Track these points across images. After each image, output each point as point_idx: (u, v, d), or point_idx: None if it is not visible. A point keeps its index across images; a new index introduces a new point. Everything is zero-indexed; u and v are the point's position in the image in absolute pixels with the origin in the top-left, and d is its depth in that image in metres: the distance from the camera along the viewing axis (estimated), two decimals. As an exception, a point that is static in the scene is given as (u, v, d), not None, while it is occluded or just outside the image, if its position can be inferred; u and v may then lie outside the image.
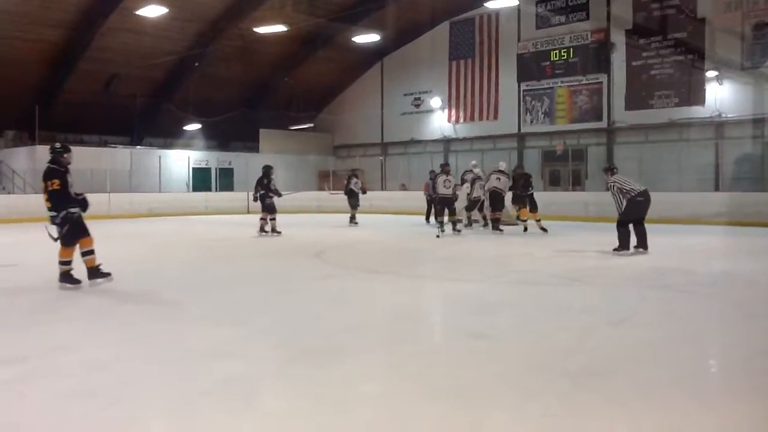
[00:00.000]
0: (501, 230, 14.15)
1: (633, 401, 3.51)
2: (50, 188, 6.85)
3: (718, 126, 19.68)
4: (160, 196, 22.79)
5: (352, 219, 17.03)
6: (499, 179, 14.46)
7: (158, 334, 5.08)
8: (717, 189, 18.91)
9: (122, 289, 6.98)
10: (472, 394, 3.65)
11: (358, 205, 17.30)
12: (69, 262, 6.95)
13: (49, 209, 6.92)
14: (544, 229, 13.77)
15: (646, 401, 3.51)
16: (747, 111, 19.02)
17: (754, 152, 19.07)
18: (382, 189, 26.11)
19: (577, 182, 22.82)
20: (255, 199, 13.99)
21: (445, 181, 13.65)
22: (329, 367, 4.15)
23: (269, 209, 13.73)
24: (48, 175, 6.90)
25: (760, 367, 4.18)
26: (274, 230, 13.72)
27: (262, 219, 13.82)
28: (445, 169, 14.01)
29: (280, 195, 13.96)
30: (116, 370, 4.10)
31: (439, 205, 13.99)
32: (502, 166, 15.08)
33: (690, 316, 5.86)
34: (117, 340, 4.86)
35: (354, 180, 17.47)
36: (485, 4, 22.33)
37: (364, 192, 17.69)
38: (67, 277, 6.96)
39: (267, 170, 13.97)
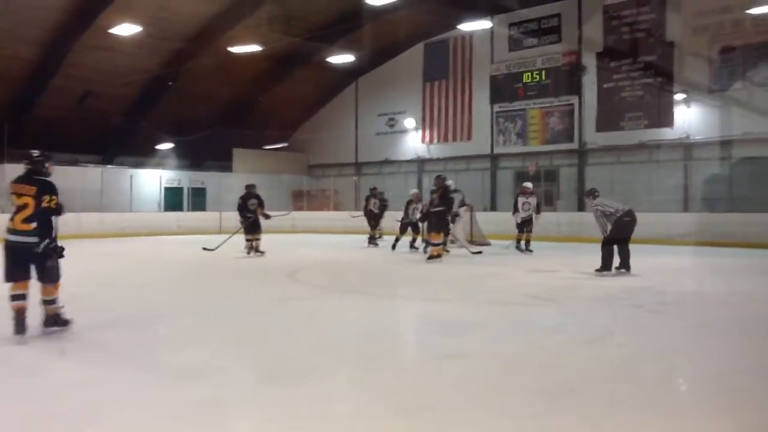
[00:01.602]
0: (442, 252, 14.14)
1: (606, 420, 3.52)
2: (45, 205, 5.32)
3: (687, 147, 20.03)
4: (131, 216, 22.53)
5: (372, 239, 16.67)
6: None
7: (126, 357, 4.98)
8: (686, 209, 19.21)
9: (91, 310, 6.85)
10: (445, 413, 3.64)
11: (377, 225, 16.97)
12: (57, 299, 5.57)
13: (30, 233, 5.29)
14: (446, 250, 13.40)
15: (620, 420, 3.53)
16: (714, 133, 19.40)
17: (722, 173, 19.42)
18: (355, 209, 26.07)
19: (549, 203, 23.00)
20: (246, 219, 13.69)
21: (414, 209, 14.35)
22: (301, 388, 4.10)
23: (253, 229, 13.61)
24: (44, 188, 5.38)
25: (730, 385, 4.22)
26: (256, 250, 13.53)
27: (248, 240, 13.61)
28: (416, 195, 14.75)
29: (268, 217, 13.87)
30: (83, 394, 4.01)
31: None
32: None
33: (661, 334, 5.91)
34: (84, 364, 4.76)
35: (373, 201, 17.15)
36: (459, 27, 22.64)
37: (383, 210, 17.06)
38: (55, 319, 5.57)
39: (249, 190, 13.93)
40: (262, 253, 13.54)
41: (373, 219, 16.92)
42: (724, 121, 19.24)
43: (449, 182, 15.48)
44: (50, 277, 5.39)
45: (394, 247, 14.92)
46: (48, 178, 5.54)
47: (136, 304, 7.54)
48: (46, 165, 5.58)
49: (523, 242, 14.14)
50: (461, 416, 3.60)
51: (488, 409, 3.71)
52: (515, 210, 14.09)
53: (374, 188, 18.02)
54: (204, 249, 14.20)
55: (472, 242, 15.56)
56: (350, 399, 3.98)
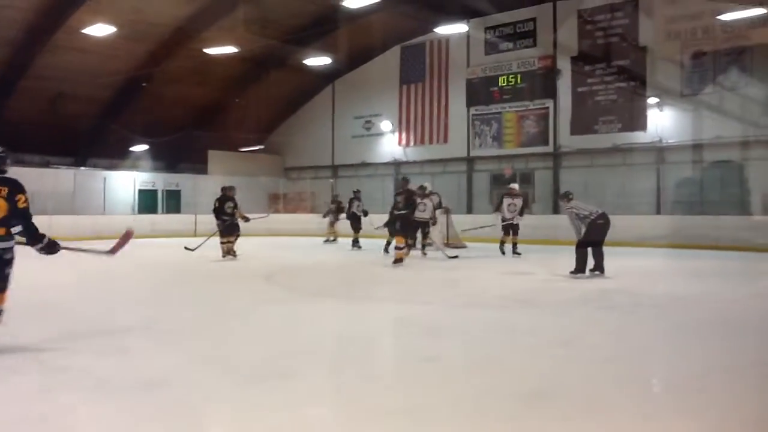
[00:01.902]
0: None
1: (583, 422, 3.53)
2: (21, 205, 4.96)
3: (660, 151, 20.29)
4: (104, 219, 22.24)
5: (355, 243, 16.62)
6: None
7: (98, 361, 4.89)
8: (659, 212, 19.46)
9: (63, 314, 6.74)
10: (421, 416, 3.63)
11: (360, 228, 16.95)
12: None
13: (3, 238, 4.86)
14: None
15: (597, 421, 3.54)
16: (686, 137, 19.68)
17: (694, 176, 19.70)
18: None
19: (525, 205, 23.14)
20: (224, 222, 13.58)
21: (420, 203, 13.94)
22: (276, 392, 4.07)
23: (230, 231, 13.50)
24: (16, 187, 5.00)
25: (705, 384, 4.27)
26: (230, 252, 13.41)
27: (224, 242, 13.44)
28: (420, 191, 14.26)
29: (247, 219, 13.74)
30: (55, 399, 3.94)
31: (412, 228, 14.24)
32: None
33: (636, 336, 5.97)
34: (55, 368, 4.68)
35: (356, 203, 17.24)
36: (436, 30, 22.72)
37: (365, 214, 17.14)
38: None
39: (224, 192, 13.80)
40: (235, 255, 13.40)
41: (357, 222, 16.91)
42: (696, 125, 19.53)
43: (425, 184, 15.41)
44: (3, 285, 4.96)
45: (386, 249, 14.39)
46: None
47: (107, 308, 7.43)
48: (8, 162, 5.10)
49: (509, 245, 13.94)
50: (437, 419, 3.59)
51: (464, 413, 3.70)
52: (497, 209, 13.98)
53: (357, 191, 17.99)
54: (186, 248, 14.17)
55: (448, 245, 15.60)
56: (326, 402, 3.95)
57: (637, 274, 10.88)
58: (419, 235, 13.70)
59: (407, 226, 12.61)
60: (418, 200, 13.50)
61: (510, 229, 13.90)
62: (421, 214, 13.46)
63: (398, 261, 11.89)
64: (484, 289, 9.11)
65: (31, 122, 23.29)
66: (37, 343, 5.38)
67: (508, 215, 13.82)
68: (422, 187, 13.40)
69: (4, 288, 4.95)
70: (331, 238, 18.85)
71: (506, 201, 13.92)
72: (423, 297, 8.53)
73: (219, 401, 3.92)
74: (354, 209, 17.08)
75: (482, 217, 15.64)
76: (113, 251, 5.88)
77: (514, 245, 13.91)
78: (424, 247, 14.02)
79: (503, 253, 13.89)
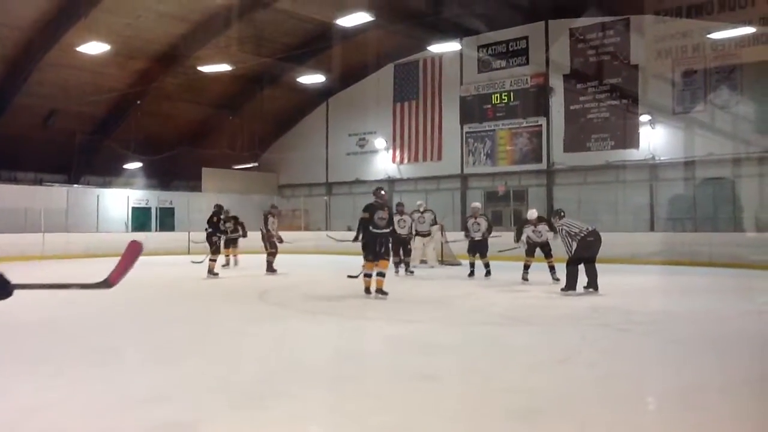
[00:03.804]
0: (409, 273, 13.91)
1: (576, 440, 3.52)
2: None
3: (652, 168, 20.41)
4: (97, 236, 22.14)
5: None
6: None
7: (91, 379, 4.86)
8: (652, 229, 19.52)
9: (54, 331, 6.70)
10: (416, 436, 3.61)
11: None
12: None
13: None
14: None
15: (589, 440, 3.53)
16: (678, 154, 19.81)
17: (686, 193, 19.80)
18: (327, 229, 26.01)
19: (519, 222, 23.19)
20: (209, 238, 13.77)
21: (399, 221, 13.78)
22: (271, 410, 4.04)
23: (218, 249, 13.61)
24: None
25: (698, 403, 4.26)
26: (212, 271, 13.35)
27: (211, 260, 13.43)
28: (399, 209, 14.10)
29: (225, 234, 13.90)
30: (47, 416, 3.90)
31: (394, 246, 13.96)
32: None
33: (630, 353, 5.96)
34: (48, 386, 4.63)
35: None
36: (429, 48, 22.88)
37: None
38: None
39: (218, 210, 13.97)
40: (216, 275, 13.23)
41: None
42: (688, 142, 19.68)
43: (419, 202, 15.42)
44: None
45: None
46: None
47: (99, 327, 7.38)
48: None
49: (546, 266, 12.06)
50: (433, 438, 3.57)
51: (460, 430, 3.68)
52: (518, 238, 12.17)
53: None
54: (192, 262, 14.33)
55: (442, 262, 15.59)
56: (321, 421, 3.93)
57: (631, 291, 10.88)
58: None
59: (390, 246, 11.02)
60: (398, 217, 13.15)
61: (535, 250, 12.12)
62: (399, 231, 13.17)
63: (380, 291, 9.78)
64: (479, 307, 9.10)
65: (25, 139, 23.26)
66: (29, 361, 5.33)
67: (536, 237, 11.95)
68: (378, 192, 11.15)
69: None
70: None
71: (527, 230, 12.06)
72: (418, 315, 8.50)
73: (214, 420, 3.89)
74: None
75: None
76: (112, 280, 3.08)
77: (552, 268, 11.92)
78: (408, 265, 13.98)
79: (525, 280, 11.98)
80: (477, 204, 13.71)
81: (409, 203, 16.40)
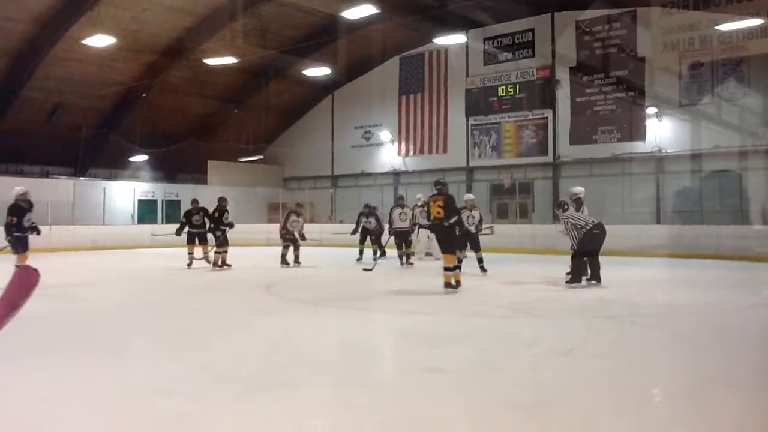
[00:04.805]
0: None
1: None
2: None
3: (659, 161, 20.34)
4: (103, 229, 22.24)
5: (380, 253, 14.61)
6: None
7: (97, 371, 4.88)
8: (658, 222, 19.49)
9: (61, 324, 6.74)
10: (423, 427, 3.62)
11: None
12: None
13: None
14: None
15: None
16: (685, 146, 19.74)
17: (692, 186, 19.75)
18: (332, 222, 26.05)
19: (524, 215, 23.19)
20: (212, 233, 13.78)
21: (400, 214, 13.84)
22: (277, 403, 4.06)
23: (222, 242, 13.63)
24: None
25: (704, 396, 4.26)
26: (224, 263, 13.60)
27: (216, 253, 13.62)
28: (399, 202, 14.15)
29: (232, 227, 13.84)
30: (54, 408, 3.92)
31: (397, 240, 14.01)
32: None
33: (635, 346, 5.96)
34: (55, 378, 4.67)
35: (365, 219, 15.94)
36: (434, 41, 22.83)
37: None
38: None
39: (221, 203, 13.97)
40: (229, 266, 13.60)
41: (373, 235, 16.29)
42: (695, 134, 19.61)
43: (418, 196, 15.37)
44: None
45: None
46: None
47: (107, 319, 7.42)
48: None
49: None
50: (439, 430, 3.58)
51: (466, 423, 3.70)
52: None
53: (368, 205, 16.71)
54: (205, 254, 14.20)
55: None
56: (327, 413, 3.95)
57: (637, 284, 10.87)
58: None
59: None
60: (398, 210, 13.84)
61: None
62: (400, 224, 13.75)
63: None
64: (485, 299, 9.10)
65: (31, 132, 23.34)
66: (35, 354, 5.37)
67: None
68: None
69: None
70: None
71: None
72: (424, 307, 8.50)
73: (221, 412, 3.91)
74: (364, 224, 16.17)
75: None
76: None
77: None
78: (408, 257, 14.05)
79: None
80: (471, 195, 13.12)
81: (412, 197, 16.42)
